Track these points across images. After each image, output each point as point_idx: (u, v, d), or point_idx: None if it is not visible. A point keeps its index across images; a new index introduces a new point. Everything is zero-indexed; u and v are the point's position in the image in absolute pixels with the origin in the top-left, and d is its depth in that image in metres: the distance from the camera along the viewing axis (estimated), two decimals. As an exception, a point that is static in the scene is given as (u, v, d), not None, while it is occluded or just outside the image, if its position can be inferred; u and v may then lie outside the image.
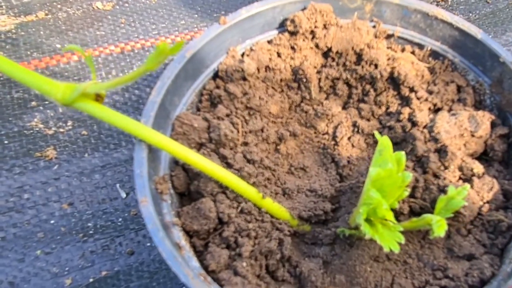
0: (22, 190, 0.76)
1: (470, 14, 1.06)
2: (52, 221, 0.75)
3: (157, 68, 0.43)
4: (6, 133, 0.80)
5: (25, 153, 0.79)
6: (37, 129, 0.81)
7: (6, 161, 0.78)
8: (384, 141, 0.50)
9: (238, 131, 0.56)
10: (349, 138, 0.64)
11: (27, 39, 0.91)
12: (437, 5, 1.06)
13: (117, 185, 0.79)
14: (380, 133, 0.63)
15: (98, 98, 0.51)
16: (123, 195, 0.79)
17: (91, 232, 0.75)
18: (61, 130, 0.82)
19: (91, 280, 0.71)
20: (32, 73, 0.49)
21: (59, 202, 0.76)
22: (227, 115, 0.58)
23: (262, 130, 0.60)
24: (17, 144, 0.80)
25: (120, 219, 0.77)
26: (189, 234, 0.54)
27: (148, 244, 0.76)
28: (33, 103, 0.84)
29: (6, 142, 0.80)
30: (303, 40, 0.63)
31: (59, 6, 0.98)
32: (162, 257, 0.75)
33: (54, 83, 0.50)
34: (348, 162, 0.62)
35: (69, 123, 0.83)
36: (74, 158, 0.80)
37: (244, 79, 0.60)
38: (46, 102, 0.84)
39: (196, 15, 1.01)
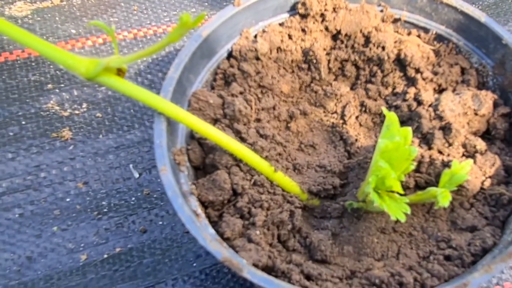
0: (39, 169, 0.79)
1: (473, 5, 1.09)
2: (67, 199, 0.77)
3: (179, 40, 0.46)
4: (24, 114, 0.83)
5: (41, 134, 0.81)
6: (53, 110, 0.84)
7: (24, 141, 0.81)
8: (392, 117, 0.53)
9: (251, 108, 0.59)
10: (357, 117, 0.67)
11: (43, 25, 0.93)
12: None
13: (130, 165, 0.81)
14: (387, 111, 0.66)
15: (119, 73, 0.54)
16: (136, 175, 0.81)
17: (105, 210, 0.77)
18: (76, 112, 0.84)
19: (105, 256, 0.73)
20: (58, 49, 0.52)
21: (75, 181, 0.79)
22: (241, 93, 0.61)
23: (274, 108, 0.62)
24: (34, 125, 0.82)
25: (133, 198, 0.79)
26: (204, 204, 0.56)
27: (160, 222, 0.78)
28: (49, 85, 0.86)
29: (23, 123, 0.82)
30: (314, 22, 0.66)
31: (73, -7, 1.01)
32: (173, 235, 0.78)
33: (78, 58, 0.52)
34: (356, 140, 0.64)
35: (84, 105, 0.85)
36: (89, 139, 0.82)
37: (257, 58, 0.62)
38: (62, 85, 0.87)
39: (206, 3, 1.04)
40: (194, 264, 0.74)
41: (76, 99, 0.86)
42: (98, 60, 0.52)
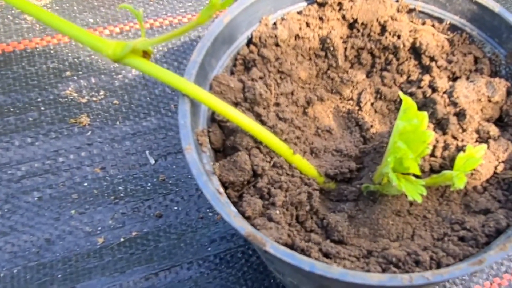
0: (57, 153, 0.81)
1: None
2: (85, 184, 0.79)
3: (207, 21, 0.47)
4: (43, 100, 0.85)
5: (60, 119, 0.83)
6: (71, 97, 0.86)
7: (43, 126, 0.82)
8: (409, 101, 0.54)
9: (271, 92, 0.60)
10: (372, 104, 0.68)
11: (61, 14, 0.95)
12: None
13: (147, 152, 0.83)
14: (402, 99, 0.67)
15: (145, 55, 0.55)
16: (152, 161, 0.83)
17: (121, 195, 0.79)
18: (94, 99, 0.86)
19: (122, 239, 0.75)
20: (86, 32, 0.53)
21: (92, 166, 0.81)
22: (261, 78, 0.62)
23: (292, 93, 0.64)
24: (53, 110, 0.84)
25: (149, 184, 0.81)
26: (224, 185, 0.57)
27: (175, 208, 0.80)
28: (68, 73, 0.88)
29: (42, 108, 0.84)
30: (331, 11, 0.67)
31: (89, -16, 1.03)
32: (188, 220, 0.79)
33: (106, 41, 0.54)
34: (371, 126, 0.66)
35: (101, 92, 0.87)
36: (106, 126, 0.84)
37: (277, 45, 0.64)
38: (80, 73, 0.88)
39: (220, -5, 1.05)
40: (209, 249, 0.76)
41: (94, 87, 0.87)
42: (125, 42, 0.53)
